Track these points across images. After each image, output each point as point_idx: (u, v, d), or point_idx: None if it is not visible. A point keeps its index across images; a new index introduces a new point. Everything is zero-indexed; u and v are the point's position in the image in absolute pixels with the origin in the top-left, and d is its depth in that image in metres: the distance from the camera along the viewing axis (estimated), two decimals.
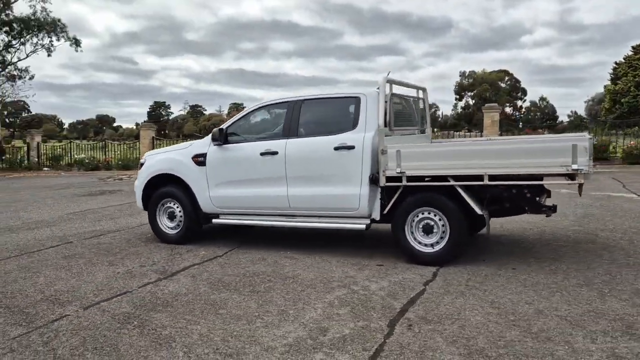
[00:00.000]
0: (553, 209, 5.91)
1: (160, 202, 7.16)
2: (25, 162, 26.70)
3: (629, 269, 5.22)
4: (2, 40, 30.27)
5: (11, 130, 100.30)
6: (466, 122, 55.25)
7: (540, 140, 5.45)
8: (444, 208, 5.52)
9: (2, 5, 29.48)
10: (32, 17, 30.08)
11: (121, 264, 6.06)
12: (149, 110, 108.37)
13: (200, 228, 7.07)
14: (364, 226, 5.91)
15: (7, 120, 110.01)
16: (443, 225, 5.55)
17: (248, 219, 6.65)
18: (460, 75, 71.43)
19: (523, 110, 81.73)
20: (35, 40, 30.89)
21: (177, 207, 7.03)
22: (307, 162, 6.15)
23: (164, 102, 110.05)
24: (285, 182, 6.26)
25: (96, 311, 4.45)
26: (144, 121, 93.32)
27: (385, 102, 6.01)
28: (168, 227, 7.13)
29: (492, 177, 5.24)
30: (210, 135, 6.73)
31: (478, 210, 5.38)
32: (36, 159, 26.77)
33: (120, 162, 25.00)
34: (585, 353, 3.37)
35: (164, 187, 7.10)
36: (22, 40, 31.15)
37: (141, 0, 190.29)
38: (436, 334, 3.74)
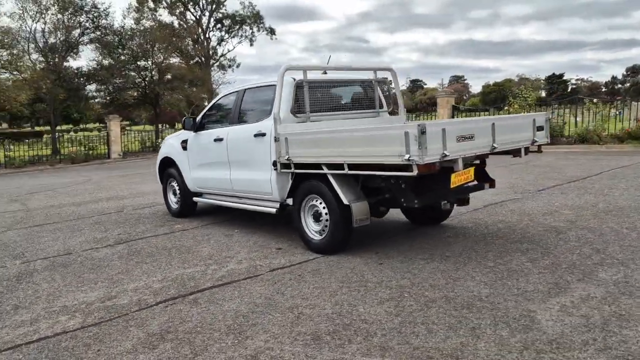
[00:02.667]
0: (451, 203, 5.33)
1: (167, 180, 8.38)
2: None
3: (483, 276, 4.49)
4: (214, 36, 35.56)
5: None
6: None
7: (380, 128, 4.96)
8: (324, 196, 5.46)
9: (214, 5, 34.55)
10: (237, 13, 34.59)
11: (111, 231, 7.44)
12: None
13: (193, 205, 8.05)
14: (274, 210, 6.16)
15: None
16: (327, 214, 5.50)
17: (213, 198, 7.42)
18: None
19: None
20: (240, 32, 35.48)
21: (177, 186, 8.14)
22: (238, 148, 6.61)
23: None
24: (228, 166, 6.83)
25: (20, 266, 5.83)
26: None
27: (300, 87, 6.09)
28: (173, 202, 8.32)
29: (355, 166, 5.02)
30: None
31: (345, 200, 5.19)
32: None
33: None
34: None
35: (169, 167, 8.28)
36: (232, 34, 36.12)
37: None
38: (164, 315, 4.08)
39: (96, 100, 33.30)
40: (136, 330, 3.82)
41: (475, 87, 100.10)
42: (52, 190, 13.14)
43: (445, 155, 4.50)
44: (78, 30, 29.12)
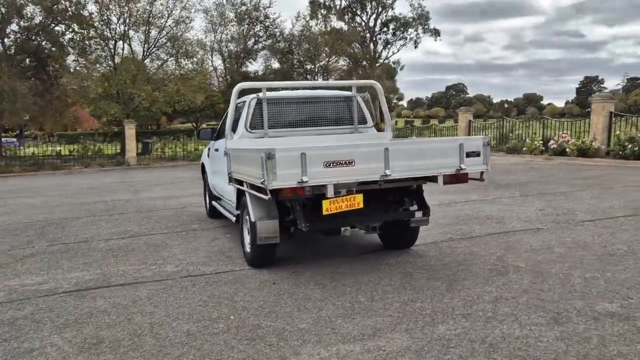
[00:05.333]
0: (368, 228, 5.12)
1: (205, 183, 9.20)
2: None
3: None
4: (380, 39, 36.12)
5: (448, 109, 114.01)
6: None
7: (252, 150, 4.85)
8: (249, 211, 5.60)
9: (380, 9, 35.09)
10: (401, 16, 34.64)
11: (140, 226, 8.49)
12: (578, 86, 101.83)
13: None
14: (234, 219, 6.48)
15: (450, 101, 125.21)
16: None
17: (219, 203, 7.99)
18: None
19: None
20: (405, 35, 35.45)
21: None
22: (222, 159, 7.04)
23: (597, 77, 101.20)
24: (221, 175, 7.33)
25: (44, 247, 7.12)
26: (569, 103, 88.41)
27: (259, 104, 6.31)
28: (207, 204, 9.11)
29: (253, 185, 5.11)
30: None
31: (252, 217, 5.29)
32: None
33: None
34: None
35: (204, 172, 9.09)
36: (398, 36, 36.28)
37: None
38: (46, 304, 4.75)
39: None
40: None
41: None
42: (172, 184, 15.15)
43: (303, 182, 4.35)
44: (253, 39, 32.37)
